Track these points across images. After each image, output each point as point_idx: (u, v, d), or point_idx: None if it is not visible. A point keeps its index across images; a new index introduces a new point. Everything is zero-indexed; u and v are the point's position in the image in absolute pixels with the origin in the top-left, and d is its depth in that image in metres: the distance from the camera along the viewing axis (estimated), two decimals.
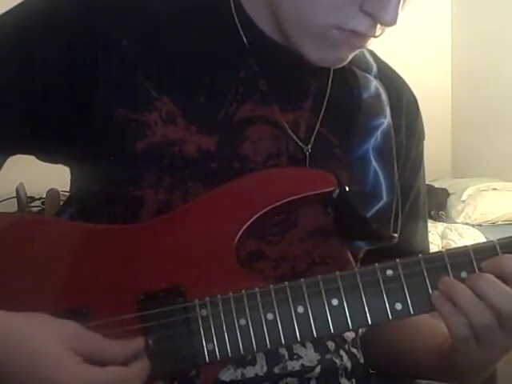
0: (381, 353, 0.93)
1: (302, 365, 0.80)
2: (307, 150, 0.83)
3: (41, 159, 0.86)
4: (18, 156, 0.86)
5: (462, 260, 0.72)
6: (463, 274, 0.71)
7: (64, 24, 0.79)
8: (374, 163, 0.86)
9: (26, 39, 0.80)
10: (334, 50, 0.80)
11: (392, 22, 0.75)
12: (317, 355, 0.81)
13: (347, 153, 0.86)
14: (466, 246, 0.73)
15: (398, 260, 0.72)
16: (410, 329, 0.88)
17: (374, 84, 0.90)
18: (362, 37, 0.78)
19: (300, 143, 0.84)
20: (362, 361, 0.88)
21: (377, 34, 0.78)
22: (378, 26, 0.76)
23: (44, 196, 2.37)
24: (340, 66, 0.83)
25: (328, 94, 0.87)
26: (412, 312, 0.71)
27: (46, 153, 0.85)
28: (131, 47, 0.79)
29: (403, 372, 0.92)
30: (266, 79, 0.83)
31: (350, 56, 0.82)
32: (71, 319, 0.69)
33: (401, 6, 0.74)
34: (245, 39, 0.83)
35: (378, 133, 0.87)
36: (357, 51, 0.83)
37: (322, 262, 0.83)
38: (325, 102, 0.86)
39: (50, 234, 0.78)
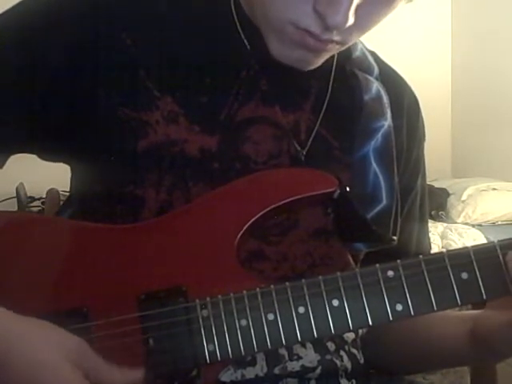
0: (399, 347, 0.93)
1: (302, 365, 0.80)
2: (302, 154, 0.83)
3: (42, 158, 0.86)
4: (18, 156, 0.86)
5: (463, 261, 0.72)
6: (463, 275, 0.72)
7: (66, 23, 0.79)
8: (374, 165, 0.86)
9: (28, 38, 0.79)
10: (293, 49, 0.79)
11: (339, 25, 0.73)
12: (317, 356, 0.81)
13: (347, 154, 0.86)
14: (466, 247, 0.73)
15: (398, 261, 0.72)
16: (437, 315, 0.88)
17: (376, 86, 0.90)
18: (316, 38, 0.76)
19: (296, 145, 0.84)
20: (362, 361, 0.88)
21: (335, 38, 0.76)
22: (335, 32, 0.75)
23: (44, 196, 2.37)
24: (306, 69, 0.82)
25: (329, 95, 0.87)
26: (412, 313, 0.71)
27: (48, 152, 0.85)
28: (134, 47, 0.79)
29: (423, 365, 0.94)
30: (267, 80, 0.83)
31: (318, 60, 0.81)
32: (71, 319, 0.69)
33: (352, 10, 0.73)
34: (245, 40, 0.83)
35: (379, 135, 0.87)
36: (325, 56, 0.81)
37: (322, 263, 0.83)
38: (325, 103, 0.86)
39: (50, 232, 0.78)
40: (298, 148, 0.84)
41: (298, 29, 0.76)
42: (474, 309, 0.87)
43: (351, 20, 0.73)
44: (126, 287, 0.73)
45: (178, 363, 0.71)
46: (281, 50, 0.80)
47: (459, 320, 0.86)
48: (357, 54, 0.90)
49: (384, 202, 0.86)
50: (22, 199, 2.61)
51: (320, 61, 0.82)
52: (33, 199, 2.79)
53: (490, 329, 0.79)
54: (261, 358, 0.78)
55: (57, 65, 0.79)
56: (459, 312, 0.88)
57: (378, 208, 0.85)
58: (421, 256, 0.72)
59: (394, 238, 0.85)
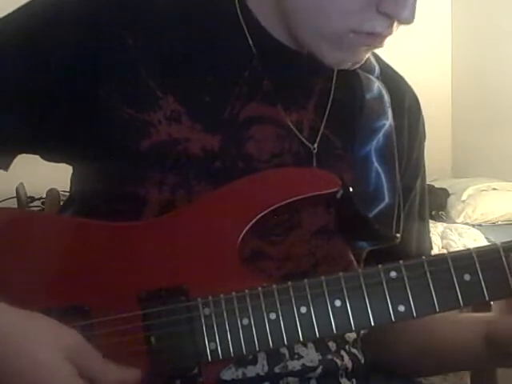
0: (408, 348, 0.93)
1: (303, 364, 0.80)
2: (314, 149, 0.84)
3: (45, 158, 0.86)
4: (18, 156, 0.86)
5: (465, 263, 0.72)
6: (466, 277, 0.72)
7: (68, 24, 0.79)
8: (376, 164, 0.86)
9: (31, 39, 0.80)
10: (352, 53, 0.80)
11: (410, 20, 0.75)
12: (318, 355, 0.81)
13: (349, 153, 0.86)
14: (469, 249, 0.73)
15: (401, 262, 0.72)
16: (449, 317, 0.88)
17: (377, 85, 0.90)
18: (379, 37, 0.78)
19: (306, 142, 0.84)
20: (362, 361, 0.88)
21: (394, 31, 0.78)
22: (395, 24, 0.77)
23: (44, 196, 2.37)
24: (357, 67, 0.84)
25: (332, 94, 0.87)
26: (415, 314, 0.71)
27: (51, 152, 0.85)
28: (136, 47, 0.79)
29: (437, 368, 0.94)
30: (270, 79, 0.83)
31: (366, 56, 0.82)
32: (73, 316, 0.69)
33: (417, 2, 0.75)
34: (250, 39, 0.83)
35: (380, 134, 0.87)
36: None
37: (325, 262, 0.83)
38: (328, 103, 0.86)
39: (52, 230, 0.78)
40: (309, 144, 0.84)
41: (360, 34, 0.77)
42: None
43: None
44: (128, 285, 0.73)
45: (180, 361, 0.71)
46: (338, 57, 0.80)
47: (473, 323, 0.86)
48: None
49: (386, 200, 0.86)
50: (22, 199, 2.61)
51: (367, 56, 0.83)
52: (33, 199, 2.79)
53: (506, 334, 0.79)
54: (262, 357, 0.78)
55: (59, 65, 0.79)
56: (471, 315, 0.88)
57: (381, 206, 0.85)
58: (424, 257, 0.73)
59: (398, 235, 0.85)
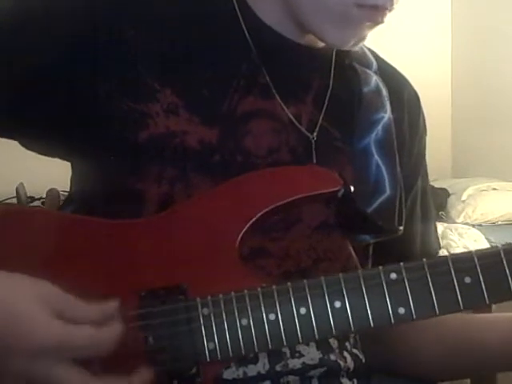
0: (438, 348, 0.93)
1: (304, 363, 0.80)
2: (313, 138, 0.84)
3: (28, 148, 0.85)
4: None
5: (466, 265, 0.71)
6: (467, 280, 0.71)
7: (66, 16, 0.79)
8: (376, 157, 0.86)
9: (26, 29, 0.79)
10: (355, 29, 0.80)
11: None
12: (318, 353, 0.81)
13: (349, 146, 0.86)
14: (470, 252, 0.72)
15: (401, 263, 0.72)
16: (482, 316, 0.88)
17: (375, 79, 0.90)
18: (381, 10, 0.78)
19: (305, 132, 0.84)
20: (363, 361, 0.88)
21: (393, 6, 0.79)
22: None
23: (44, 196, 2.37)
24: (358, 47, 0.84)
25: (330, 88, 0.87)
26: (414, 316, 0.71)
27: (45, 145, 0.84)
28: (134, 40, 0.80)
29: (461, 370, 0.94)
30: (268, 73, 0.83)
31: (368, 33, 0.83)
32: None
33: None
34: (247, 32, 0.83)
35: (379, 127, 0.87)
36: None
37: (325, 257, 0.83)
38: (327, 97, 0.86)
39: (49, 226, 0.77)
40: (308, 134, 0.84)
41: (363, 8, 0.77)
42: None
43: None
44: (127, 284, 0.73)
45: (178, 361, 0.71)
46: (342, 36, 0.81)
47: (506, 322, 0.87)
48: (355, 48, 0.91)
49: (387, 192, 0.86)
50: (22, 199, 2.61)
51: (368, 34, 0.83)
52: (33, 199, 2.79)
53: None
54: (263, 356, 0.78)
55: (56, 58, 0.79)
56: (502, 314, 0.89)
57: (382, 198, 0.85)
58: (424, 259, 0.72)
59: (400, 228, 0.85)
